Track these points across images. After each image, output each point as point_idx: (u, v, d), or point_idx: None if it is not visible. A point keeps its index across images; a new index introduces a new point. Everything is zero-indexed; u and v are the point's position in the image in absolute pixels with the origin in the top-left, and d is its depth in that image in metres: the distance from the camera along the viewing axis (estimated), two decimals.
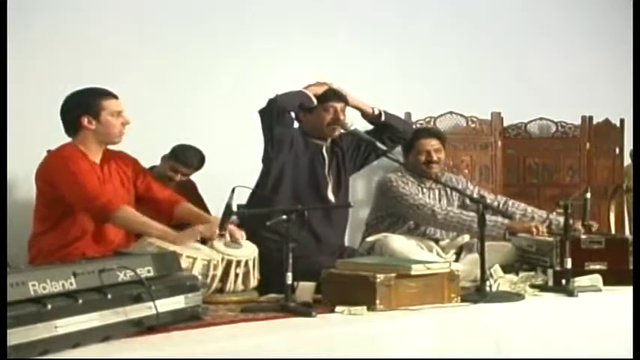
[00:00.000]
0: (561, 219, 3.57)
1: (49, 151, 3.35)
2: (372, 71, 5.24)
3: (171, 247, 2.96)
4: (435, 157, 4.15)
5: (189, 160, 4.22)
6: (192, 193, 4.23)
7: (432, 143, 4.18)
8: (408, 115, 5.28)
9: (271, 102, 3.62)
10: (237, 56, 4.80)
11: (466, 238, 4.15)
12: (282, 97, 3.65)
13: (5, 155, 3.71)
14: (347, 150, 3.97)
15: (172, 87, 4.53)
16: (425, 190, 4.18)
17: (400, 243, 3.89)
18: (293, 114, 3.77)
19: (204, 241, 3.19)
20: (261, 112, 3.65)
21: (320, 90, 3.78)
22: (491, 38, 5.78)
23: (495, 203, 4.19)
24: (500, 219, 3.88)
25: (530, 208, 4.20)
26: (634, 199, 4.26)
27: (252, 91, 4.68)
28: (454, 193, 4.19)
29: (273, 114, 3.60)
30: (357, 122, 3.96)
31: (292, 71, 4.69)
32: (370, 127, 4.11)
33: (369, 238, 4.04)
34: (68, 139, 3.32)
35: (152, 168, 4.25)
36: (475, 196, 4.20)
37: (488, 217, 3.44)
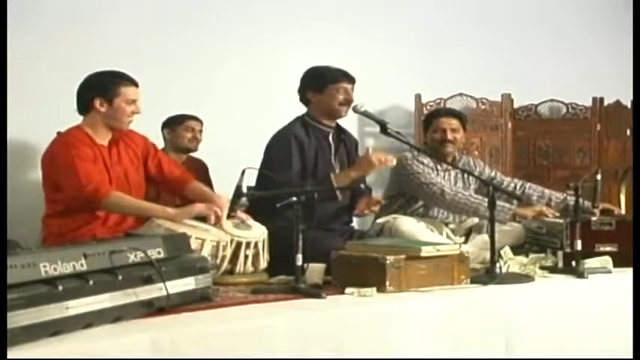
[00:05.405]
0: None
1: (58, 133, 3.35)
2: (383, 53, 5.23)
3: (181, 229, 2.96)
4: (449, 136, 4.09)
5: (188, 115, 4.37)
6: (202, 175, 4.24)
7: (451, 122, 4.13)
8: (419, 96, 5.27)
9: None
10: (248, 40, 4.80)
11: (475, 219, 4.14)
12: None
13: (5, 148, 3.71)
14: (350, 146, 3.93)
15: (184, 70, 4.53)
16: (441, 172, 4.16)
17: (409, 225, 3.88)
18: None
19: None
20: None
21: None
22: (502, 19, 5.75)
23: (512, 185, 4.19)
24: (507, 205, 3.84)
25: (547, 191, 4.17)
26: (633, 181, 4.22)
27: (261, 75, 4.71)
28: (470, 176, 4.17)
29: None
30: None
31: (302, 54, 4.68)
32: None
33: (379, 220, 4.03)
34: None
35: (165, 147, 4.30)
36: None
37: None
